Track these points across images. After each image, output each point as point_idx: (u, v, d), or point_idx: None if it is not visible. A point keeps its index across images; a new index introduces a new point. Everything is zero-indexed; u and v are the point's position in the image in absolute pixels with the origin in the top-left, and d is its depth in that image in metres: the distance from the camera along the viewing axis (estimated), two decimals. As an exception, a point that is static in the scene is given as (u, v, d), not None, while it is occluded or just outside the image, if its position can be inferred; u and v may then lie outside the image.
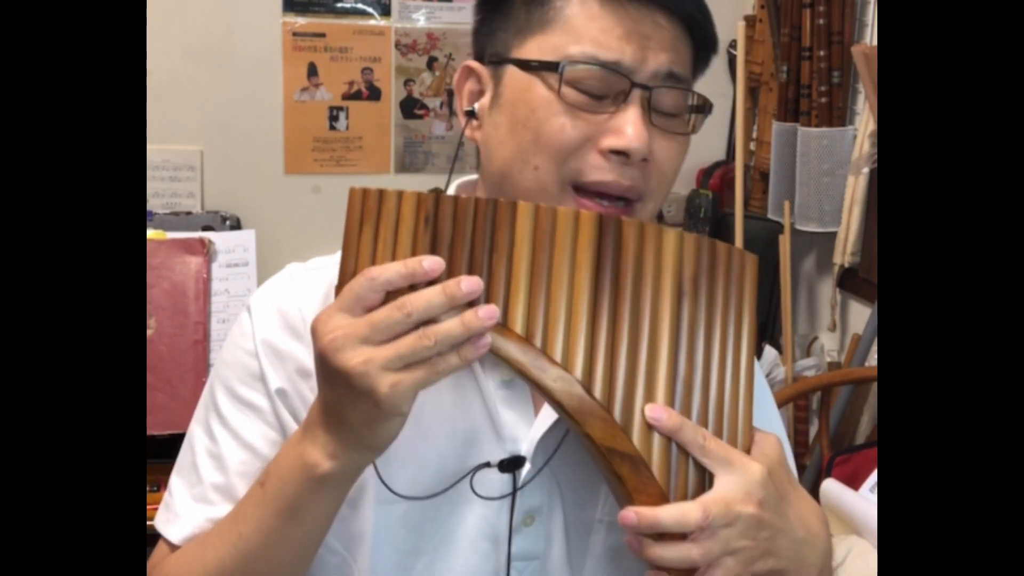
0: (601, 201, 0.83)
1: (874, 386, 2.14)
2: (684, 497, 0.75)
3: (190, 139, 2.57)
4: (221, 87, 2.57)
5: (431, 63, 2.71)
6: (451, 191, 0.92)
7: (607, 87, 0.81)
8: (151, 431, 1.76)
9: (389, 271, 0.71)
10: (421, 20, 2.68)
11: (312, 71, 2.64)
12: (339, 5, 2.63)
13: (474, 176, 0.93)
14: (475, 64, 0.88)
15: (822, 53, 2.29)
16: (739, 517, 0.73)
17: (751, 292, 0.80)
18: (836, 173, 2.30)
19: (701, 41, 0.86)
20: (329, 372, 0.71)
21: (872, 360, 2.20)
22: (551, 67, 0.81)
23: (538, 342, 0.74)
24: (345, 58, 2.66)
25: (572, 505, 0.87)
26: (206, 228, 2.36)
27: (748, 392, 0.79)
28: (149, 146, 2.28)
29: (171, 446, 1.80)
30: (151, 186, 2.53)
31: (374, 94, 2.70)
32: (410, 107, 2.73)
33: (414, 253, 0.73)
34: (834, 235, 2.32)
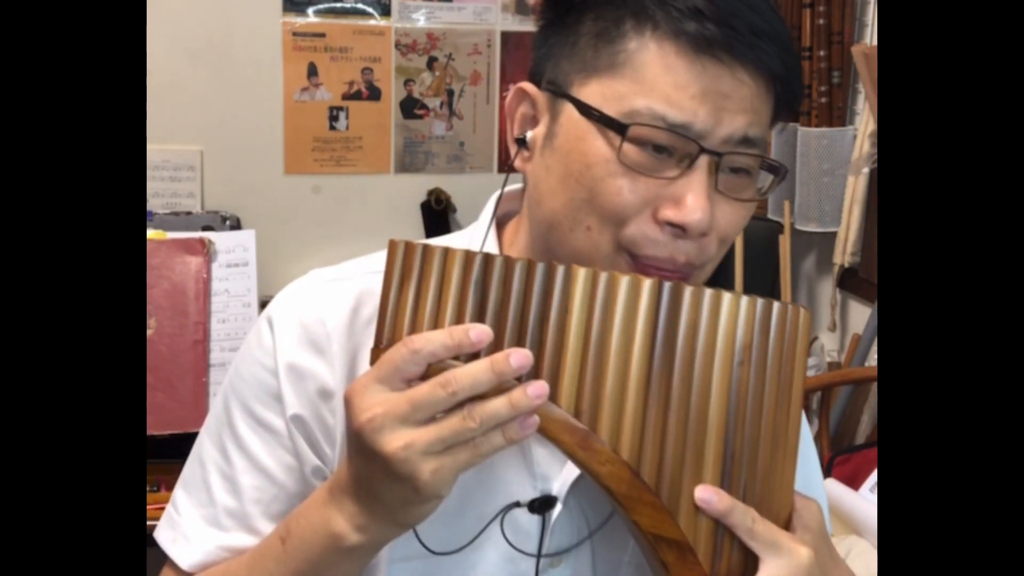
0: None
1: (874, 386, 2.14)
2: None
3: (190, 139, 2.57)
4: (221, 87, 2.57)
5: (431, 63, 2.71)
6: (491, 202, 0.87)
7: (673, 148, 0.73)
8: (151, 431, 1.76)
9: (434, 343, 0.66)
10: (421, 20, 2.68)
11: (312, 71, 2.64)
12: (339, 5, 2.63)
13: (519, 186, 0.86)
14: (531, 88, 0.80)
15: (822, 53, 2.29)
16: None
17: (803, 352, 0.76)
18: (836, 173, 2.30)
19: (785, 98, 0.77)
20: (366, 452, 0.66)
21: (872, 360, 2.20)
22: (614, 124, 0.73)
23: (585, 419, 0.69)
24: (345, 58, 2.66)
25: (600, 546, 0.83)
26: (206, 228, 2.36)
27: (793, 458, 0.76)
28: (149, 146, 2.28)
29: (171, 446, 1.80)
30: (151, 186, 2.53)
31: (374, 94, 2.70)
32: (410, 107, 2.73)
33: (458, 318, 0.69)
34: (834, 235, 2.32)
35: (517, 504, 0.81)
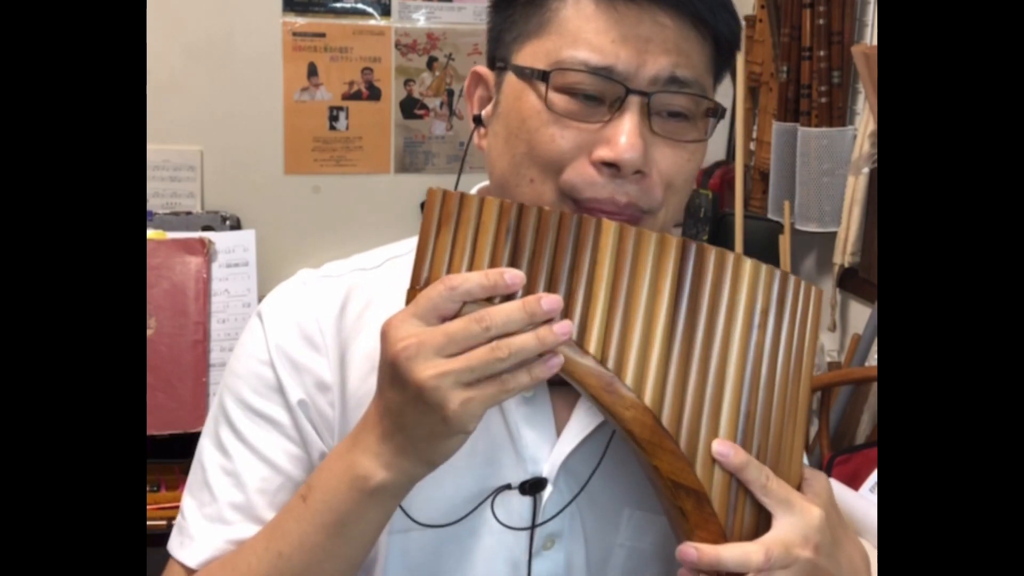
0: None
1: (874, 386, 2.14)
2: (741, 534, 0.74)
3: (190, 139, 2.57)
4: (221, 87, 2.57)
5: (431, 63, 2.71)
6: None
7: (602, 93, 0.76)
8: (151, 431, 1.76)
9: (470, 282, 0.69)
10: (421, 20, 2.68)
11: (312, 71, 2.64)
12: (339, 5, 2.63)
13: (485, 183, 0.90)
14: (483, 70, 0.85)
15: (822, 53, 2.29)
16: (796, 560, 0.72)
17: (815, 327, 0.79)
18: (836, 173, 2.30)
19: (716, 39, 0.80)
20: (399, 380, 0.68)
21: (872, 360, 2.20)
22: (540, 75, 0.77)
23: (611, 365, 0.72)
24: (345, 58, 2.66)
25: (593, 529, 0.85)
26: (206, 228, 2.36)
27: (802, 430, 0.78)
28: (149, 146, 2.28)
29: (171, 446, 1.80)
30: (151, 186, 2.53)
31: (374, 94, 2.70)
32: (410, 107, 2.73)
33: (493, 263, 0.71)
34: (834, 235, 2.32)
35: (508, 486, 0.82)
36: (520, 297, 0.70)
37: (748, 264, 0.76)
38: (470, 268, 0.71)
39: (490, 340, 0.68)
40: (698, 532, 0.74)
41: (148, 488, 1.83)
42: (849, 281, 2.36)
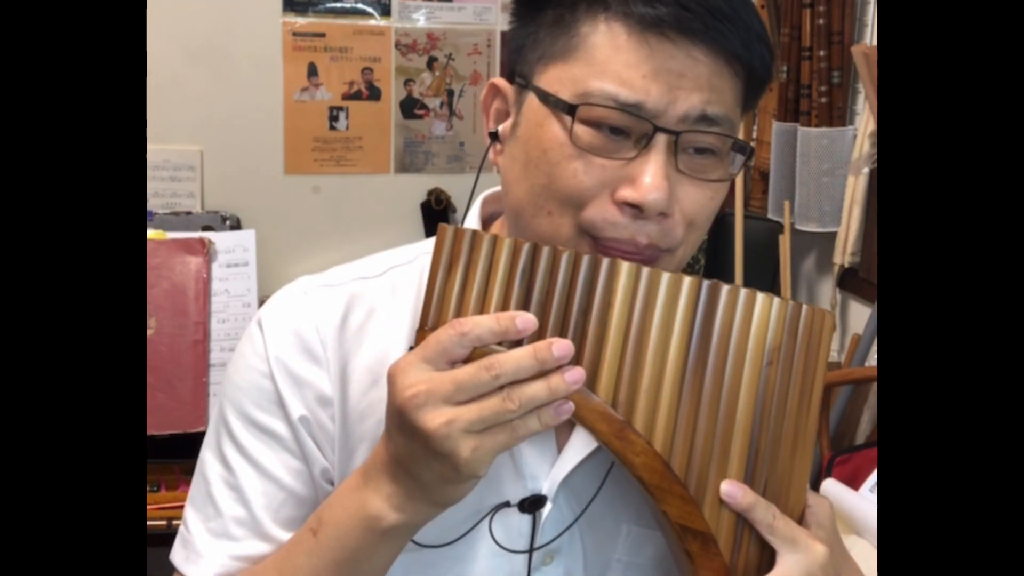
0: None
1: (874, 386, 2.14)
2: (744, 571, 0.74)
3: (190, 139, 2.57)
4: (221, 87, 2.57)
5: (431, 63, 2.71)
6: (476, 204, 0.88)
7: (629, 128, 0.73)
8: (151, 431, 1.76)
9: (481, 327, 0.68)
10: (421, 20, 2.68)
11: (312, 71, 2.64)
12: (339, 5, 2.63)
13: (499, 188, 0.87)
14: (501, 83, 0.82)
15: (822, 53, 2.29)
16: None
17: (825, 355, 0.78)
18: (836, 173, 2.30)
19: (750, 74, 0.77)
20: (407, 428, 0.67)
21: (872, 360, 2.20)
22: (566, 108, 0.74)
23: (621, 411, 0.71)
24: (345, 58, 2.66)
25: (592, 545, 0.84)
26: (206, 228, 2.36)
27: (808, 457, 0.78)
28: (149, 146, 2.28)
29: (171, 446, 1.80)
30: (151, 186, 2.53)
31: (374, 94, 2.70)
32: (410, 107, 2.73)
33: (504, 305, 0.70)
34: (834, 235, 2.32)
35: (507, 504, 0.81)
36: (530, 338, 0.69)
37: (759, 299, 0.74)
38: (480, 310, 0.70)
39: (499, 388, 0.67)
40: (703, 572, 0.74)
41: (148, 488, 1.83)
42: (849, 281, 2.36)
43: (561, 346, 0.68)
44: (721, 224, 2.63)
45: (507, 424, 0.67)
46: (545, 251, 0.71)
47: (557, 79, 0.75)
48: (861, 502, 1.69)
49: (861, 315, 2.35)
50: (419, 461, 0.68)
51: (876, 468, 1.73)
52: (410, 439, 0.68)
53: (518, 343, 0.69)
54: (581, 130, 0.74)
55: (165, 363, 1.86)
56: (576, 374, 0.69)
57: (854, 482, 1.78)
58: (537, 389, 0.67)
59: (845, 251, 2.29)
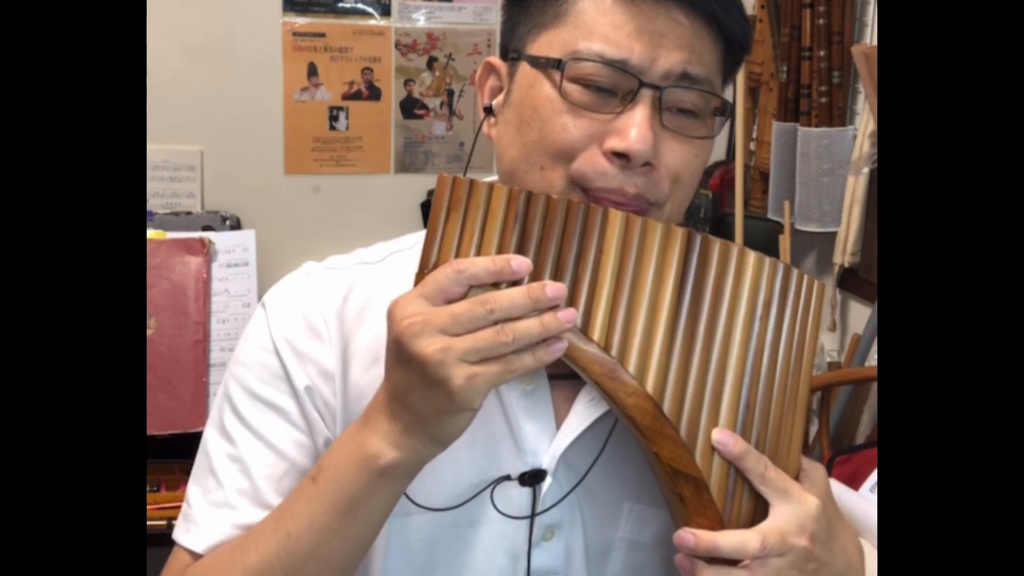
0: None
1: (874, 386, 2.14)
2: (738, 522, 0.75)
3: (190, 139, 2.57)
4: (221, 87, 2.57)
5: (431, 63, 2.71)
6: None
7: (615, 86, 0.78)
8: (151, 431, 1.76)
9: (477, 266, 0.70)
10: (421, 20, 2.68)
11: (312, 71, 2.64)
12: (339, 5, 2.63)
13: (495, 177, 0.90)
14: (495, 60, 0.86)
15: (822, 53, 2.29)
16: (792, 549, 0.73)
17: (816, 321, 0.80)
18: (836, 173, 2.30)
19: (727, 39, 0.81)
20: (403, 357, 0.70)
21: (872, 360, 2.20)
22: (555, 64, 0.78)
23: (614, 352, 0.73)
24: (345, 58, 2.66)
25: (593, 522, 0.86)
26: (206, 228, 2.36)
27: (801, 423, 0.79)
28: (149, 146, 2.28)
29: (171, 446, 1.80)
30: (151, 186, 2.53)
31: (374, 94, 2.70)
32: (410, 107, 2.73)
33: (501, 249, 0.73)
34: (834, 235, 2.32)
35: (507, 477, 0.83)
36: (526, 284, 0.71)
37: (752, 256, 0.77)
38: (478, 253, 0.72)
39: (494, 323, 0.69)
40: (696, 518, 0.75)
41: (148, 488, 1.83)
42: (849, 281, 2.36)
43: (555, 287, 0.70)
44: (721, 224, 2.63)
45: (501, 357, 0.69)
46: (541, 198, 0.73)
47: (547, 44, 0.80)
48: (861, 502, 1.69)
49: (861, 315, 2.35)
50: (415, 391, 0.70)
51: (876, 468, 1.73)
52: (406, 367, 0.70)
53: (515, 286, 0.71)
54: (570, 87, 0.78)
55: (165, 363, 1.86)
56: (569, 314, 0.70)
57: (854, 482, 1.78)
58: (530, 324, 0.69)
59: (845, 251, 2.29)
